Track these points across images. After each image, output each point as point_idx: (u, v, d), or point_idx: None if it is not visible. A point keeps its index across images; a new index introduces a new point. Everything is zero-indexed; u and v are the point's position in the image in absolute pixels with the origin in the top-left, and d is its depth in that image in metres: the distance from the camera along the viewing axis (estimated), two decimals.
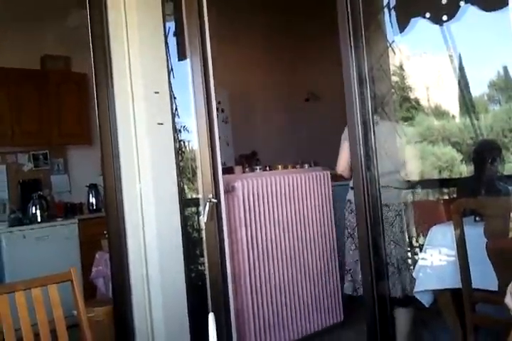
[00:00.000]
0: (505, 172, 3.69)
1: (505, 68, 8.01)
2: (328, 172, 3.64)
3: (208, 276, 2.80)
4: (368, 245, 2.37)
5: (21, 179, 4.96)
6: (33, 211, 4.53)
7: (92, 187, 5.07)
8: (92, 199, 5.09)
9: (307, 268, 3.42)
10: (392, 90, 3.82)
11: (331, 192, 3.60)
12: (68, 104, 5.13)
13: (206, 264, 2.81)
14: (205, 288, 2.83)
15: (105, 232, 3.24)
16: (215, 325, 1.05)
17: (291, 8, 5.29)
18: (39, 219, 4.52)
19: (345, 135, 2.91)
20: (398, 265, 2.83)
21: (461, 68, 6.31)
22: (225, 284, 2.71)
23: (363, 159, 2.38)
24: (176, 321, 2.93)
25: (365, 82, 2.45)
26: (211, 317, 1.06)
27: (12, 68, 4.71)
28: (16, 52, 4.84)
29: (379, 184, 2.42)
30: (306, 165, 3.70)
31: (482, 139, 7.24)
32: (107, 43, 2.99)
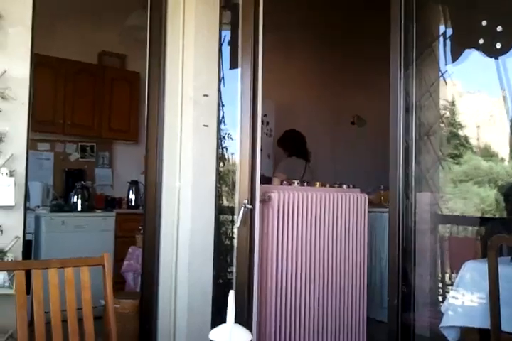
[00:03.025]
0: None
1: None
2: (366, 195, 3.62)
3: (234, 283, 2.83)
4: (397, 273, 2.36)
5: (67, 168, 5.15)
6: (75, 200, 4.68)
7: (133, 184, 5.20)
8: (132, 196, 5.22)
9: (334, 288, 3.38)
10: (440, 120, 3.81)
11: (366, 216, 3.57)
12: (120, 100, 5.29)
13: (234, 270, 2.84)
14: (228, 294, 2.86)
15: (140, 228, 3.32)
16: (234, 303, 1.09)
17: (348, 31, 5.33)
18: (79, 208, 4.67)
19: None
20: (427, 297, 2.80)
21: None
22: (250, 292, 2.73)
23: (401, 187, 2.38)
24: (198, 323, 2.96)
25: (411, 109, 2.46)
26: (231, 294, 1.10)
27: (71, 60, 4.91)
28: (76, 45, 5.04)
29: (415, 213, 2.42)
30: (344, 186, 3.69)
31: None
32: (163, 45, 3.10)
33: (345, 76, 5.67)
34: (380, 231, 4.23)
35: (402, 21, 2.44)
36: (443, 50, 3.62)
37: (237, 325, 1.12)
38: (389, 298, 2.44)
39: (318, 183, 3.53)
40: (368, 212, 3.64)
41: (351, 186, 3.74)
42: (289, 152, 4.67)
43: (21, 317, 1.86)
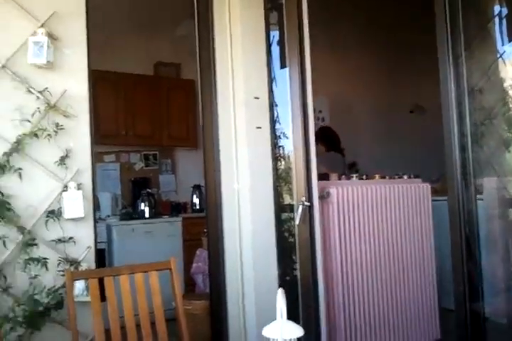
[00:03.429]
0: None
1: None
2: (428, 185, 3.55)
3: (299, 279, 2.85)
4: (461, 260, 2.31)
5: (132, 177, 5.36)
6: (142, 207, 4.87)
7: (196, 188, 5.34)
8: (196, 200, 5.36)
9: (402, 280, 3.34)
10: (503, 102, 3.65)
11: (430, 205, 3.51)
12: (177, 108, 5.44)
13: (298, 266, 2.87)
14: (296, 292, 2.89)
15: (205, 231, 3.41)
16: (284, 300, 1.12)
17: (397, 17, 5.21)
18: (147, 215, 4.85)
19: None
20: (498, 283, 2.71)
21: None
22: (315, 287, 2.76)
23: (459, 174, 2.33)
24: (267, 322, 3.00)
25: (466, 94, 2.40)
26: (280, 292, 1.13)
27: (129, 73, 5.10)
28: (133, 58, 5.23)
29: (475, 198, 2.36)
30: (405, 176, 3.63)
31: None
32: (212, 52, 3.16)
33: (402, 64, 5.55)
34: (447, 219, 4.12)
35: (447, 6, 2.38)
36: (499, 30, 3.48)
37: (289, 321, 1.16)
38: (454, 285, 2.40)
39: (377, 176, 3.49)
40: (432, 200, 3.57)
41: (412, 176, 3.67)
42: (328, 147, 4.65)
43: (97, 322, 1.97)
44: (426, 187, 3.50)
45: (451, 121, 2.37)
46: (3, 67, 2.49)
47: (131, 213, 4.91)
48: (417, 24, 4.96)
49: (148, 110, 5.27)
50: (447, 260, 4.20)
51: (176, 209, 5.34)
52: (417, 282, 3.39)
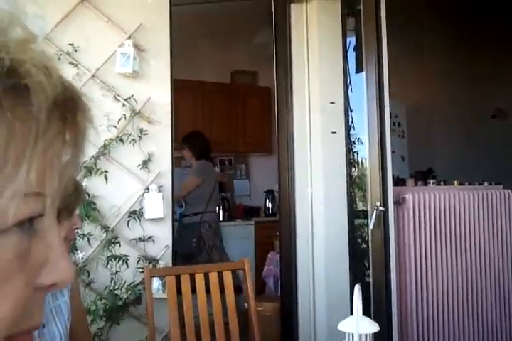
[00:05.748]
0: None
1: None
2: (510, 192, 3.41)
3: (371, 285, 2.83)
4: None
5: None
6: (217, 211, 4.99)
7: (269, 193, 5.41)
8: (269, 204, 5.43)
9: (480, 289, 3.21)
10: None
11: None
12: (253, 115, 5.54)
13: (370, 272, 2.85)
14: (368, 297, 2.87)
15: (277, 234, 3.46)
16: (360, 296, 1.14)
17: (475, 18, 5.06)
18: (221, 218, 4.97)
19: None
20: None
21: None
22: (388, 295, 2.72)
23: None
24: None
25: None
26: (357, 288, 1.15)
27: (207, 81, 5.27)
28: (211, 67, 5.40)
29: None
30: (486, 183, 3.52)
31: None
32: (289, 59, 3.22)
33: (485, 67, 5.36)
34: None
35: None
36: None
37: (365, 317, 1.18)
38: None
39: (456, 182, 3.41)
40: None
41: (493, 183, 3.55)
42: (198, 155, 4.49)
43: (173, 317, 2.05)
44: (508, 194, 3.37)
45: None
46: (93, 76, 2.67)
47: None
48: (501, 24, 4.81)
49: (225, 117, 5.40)
50: None
51: (249, 213, 5.43)
52: (495, 291, 3.26)
